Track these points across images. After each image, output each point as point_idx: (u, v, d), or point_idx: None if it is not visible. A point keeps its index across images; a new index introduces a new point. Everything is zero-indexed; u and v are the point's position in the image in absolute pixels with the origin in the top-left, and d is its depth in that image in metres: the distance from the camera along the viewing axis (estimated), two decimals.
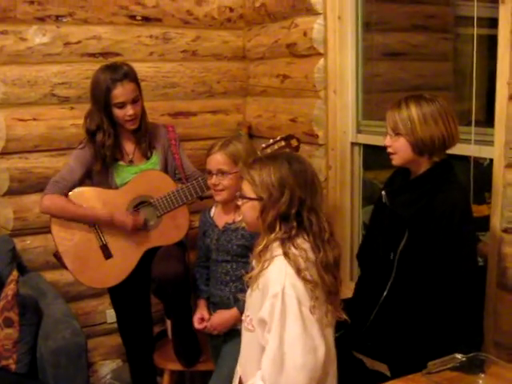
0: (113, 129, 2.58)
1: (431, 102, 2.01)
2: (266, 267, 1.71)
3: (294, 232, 1.71)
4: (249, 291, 1.81)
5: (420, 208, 2.03)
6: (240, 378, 1.87)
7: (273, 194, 1.71)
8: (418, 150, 2.02)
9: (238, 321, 2.35)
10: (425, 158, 2.06)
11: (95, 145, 2.58)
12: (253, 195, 1.76)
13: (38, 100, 3.06)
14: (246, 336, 1.85)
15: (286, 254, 1.69)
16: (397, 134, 2.05)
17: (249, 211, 1.80)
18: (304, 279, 1.66)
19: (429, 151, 2.03)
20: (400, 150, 2.06)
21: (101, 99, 2.53)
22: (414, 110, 2.00)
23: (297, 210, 1.71)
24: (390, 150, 2.10)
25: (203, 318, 2.46)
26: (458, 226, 1.97)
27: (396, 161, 2.11)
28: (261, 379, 1.68)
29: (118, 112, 2.55)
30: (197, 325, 2.45)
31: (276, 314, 1.64)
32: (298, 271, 1.66)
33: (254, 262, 1.77)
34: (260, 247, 1.74)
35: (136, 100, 2.58)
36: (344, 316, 1.78)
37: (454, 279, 1.96)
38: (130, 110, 2.54)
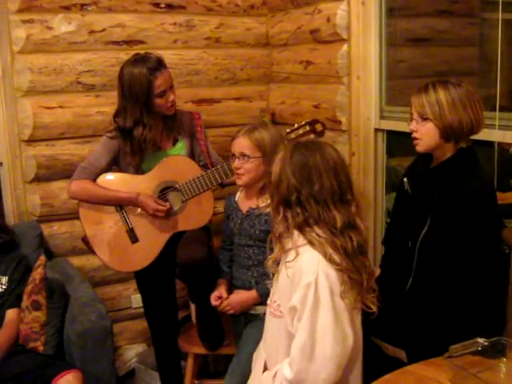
0: (153, 120, 2.59)
1: (458, 87, 1.98)
2: (293, 258, 1.73)
3: (301, 217, 1.73)
4: (275, 276, 1.84)
5: (444, 194, 2.01)
6: (265, 362, 1.88)
7: (274, 181, 1.79)
8: (446, 136, 1.99)
9: (256, 302, 2.39)
10: (451, 143, 2.02)
11: (133, 141, 2.58)
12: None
13: (64, 88, 3.10)
14: (271, 321, 1.87)
15: (310, 242, 1.72)
16: (424, 118, 2.01)
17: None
18: (331, 261, 1.68)
19: (456, 137, 2.00)
20: (427, 135, 2.02)
21: (142, 93, 2.52)
22: (442, 94, 1.97)
23: (296, 197, 1.73)
24: (415, 135, 2.06)
25: (220, 297, 2.47)
26: (484, 212, 1.95)
27: (421, 147, 2.07)
28: (288, 366, 1.70)
29: (159, 101, 2.56)
30: (213, 301, 2.47)
31: (308, 303, 1.65)
32: (325, 254, 1.68)
33: (274, 246, 1.81)
34: (274, 232, 1.80)
35: (172, 85, 2.62)
36: (373, 308, 1.77)
37: (478, 265, 1.95)
38: (171, 96, 2.58)
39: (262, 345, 1.98)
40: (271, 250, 1.83)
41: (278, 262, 1.81)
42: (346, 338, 1.67)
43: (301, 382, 1.68)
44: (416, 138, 2.07)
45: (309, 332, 1.65)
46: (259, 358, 1.95)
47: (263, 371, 1.88)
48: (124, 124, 2.58)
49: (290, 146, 1.82)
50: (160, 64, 2.56)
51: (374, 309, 1.77)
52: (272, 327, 1.87)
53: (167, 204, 2.61)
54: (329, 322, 1.65)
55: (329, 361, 1.65)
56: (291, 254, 1.75)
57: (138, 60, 2.57)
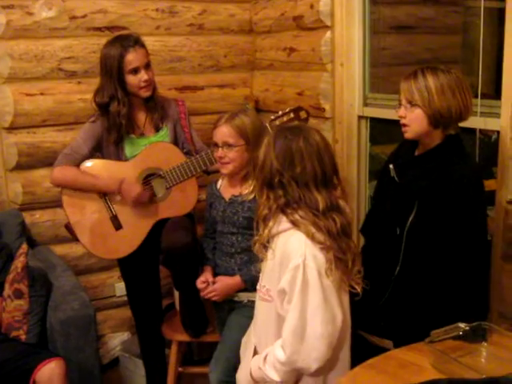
0: (127, 97, 2.59)
1: (448, 73, 1.96)
2: (266, 237, 1.78)
3: (283, 200, 1.76)
4: (264, 261, 1.86)
5: (432, 181, 2.00)
6: (255, 347, 1.90)
7: (257, 164, 1.82)
8: (435, 122, 1.97)
9: (240, 289, 2.40)
10: (439, 130, 2.01)
11: (109, 116, 2.59)
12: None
13: (45, 74, 3.07)
14: (261, 306, 1.89)
15: (293, 223, 1.74)
16: (413, 105, 1.99)
17: None
18: (315, 240, 1.71)
19: (444, 123, 1.98)
20: (415, 121, 2.00)
21: (114, 68, 2.53)
22: (431, 80, 1.95)
23: (278, 179, 1.76)
24: (404, 121, 2.04)
25: (206, 281, 2.46)
26: (473, 199, 1.96)
27: (409, 133, 2.05)
28: (281, 348, 1.74)
29: (132, 79, 2.56)
30: (199, 284, 2.46)
31: (297, 285, 1.68)
32: (308, 233, 1.71)
33: (259, 228, 1.83)
34: (258, 214, 1.82)
35: (149, 65, 2.60)
36: (358, 289, 1.80)
37: (467, 252, 1.95)
38: (144, 75, 2.56)
39: (251, 331, 2.00)
40: (257, 232, 1.84)
41: (265, 246, 1.82)
42: (335, 318, 1.72)
43: (293, 362, 1.72)
44: (405, 125, 2.05)
45: (299, 313, 1.69)
46: (249, 344, 1.97)
47: (253, 356, 1.90)
48: (101, 100, 2.59)
49: (275, 130, 1.86)
50: (136, 42, 2.56)
51: (359, 289, 1.80)
52: (262, 312, 1.89)
53: (148, 191, 2.61)
54: (318, 302, 1.69)
55: (319, 340, 1.70)
56: (277, 239, 1.78)
57: (118, 38, 2.60)
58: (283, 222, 1.77)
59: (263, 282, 1.87)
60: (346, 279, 1.77)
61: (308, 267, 1.69)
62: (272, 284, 1.80)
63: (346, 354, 1.85)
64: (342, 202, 1.81)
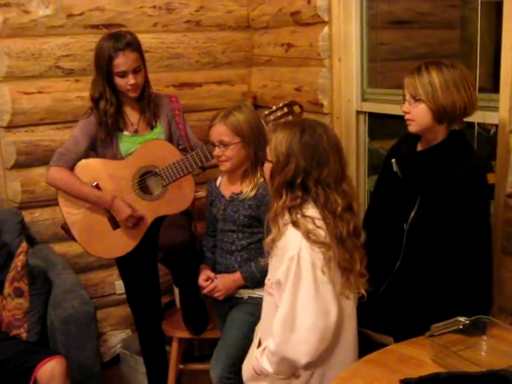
0: (115, 97, 2.58)
1: (452, 68, 1.94)
2: (281, 234, 1.76)
3: (298, 201, 1.75)
4: (270, 256, 1.86)
5: (436, 177, 1.99)
6: (260, 340, 1.91)
7: (280, 161, 1.76)
8: (439, 117, 1.96)
9: (240, 285, 2.39)
10: (443, 125, 2.00)
11: (99, 112, 2.58)
12: (269, 157, 1.81)
13: (42, 73, 3.07)
14: (266, 300, 1.90)
15: (294, 223, 1.73)
16: (417, 100, 1.97)
17: (266, 171, 1.86)
18: (314, 242, 1.70)
19: (449, 119, 1.97)
20: (419, 116, 1.98)
21: (103, 67, 2.52)
22: (435, 75, 1.93)
23: (302, 180, 1.74)
24: (408, 116, 2.02)
25: (208, 278, 2.45)
26: (478, 195, 1.95)
27: (413, 127, 2.03)
28: (272, 339, 1.74)
29: (119, 81, 2.54)
30: (202, 283, 2.45)
31: (290, 276, 1.68)
32: (307, 235, 1.70)
33: (271, 227, 1.82)
34: (271, 213, 1.80)
35: (138, 70, 2.56)
36: (362, 291, 1.81)
37: (471, 247, 1.95)
38: (131, 80, 2.53)
39: (259, 324, 2.01)
40: (268, 230, 1.83)
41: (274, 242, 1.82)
42: (328, 313, 1.70)
43: (282, 352, 1.72)
44: (409, 119, 2.04)
45: (290, 304, 1.69)
46: (256, 336, 1.99)
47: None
48: (94, 93, 2.59)
49: (297, 126, 1.78)
50: (128, 45, 2.51)
51: (363, 292, 1.80)
52: (266, 305, 1.90)
53: (139, 212, 2.60)
54: (310, 294, 1.68)
55: (309, 333, 1.69)
56: (279, 231, 1.77)
57: (113, 36, 2.56)
58: (286, 218, 1.77)
59: (269, 276, 1.87)
60: (350, 284, 1.76)
61: (302, 258, 1.68)
62: (274, 277, 1.80)
63: (345, 352, 1.83)
64: (354, 203, 1.81)
